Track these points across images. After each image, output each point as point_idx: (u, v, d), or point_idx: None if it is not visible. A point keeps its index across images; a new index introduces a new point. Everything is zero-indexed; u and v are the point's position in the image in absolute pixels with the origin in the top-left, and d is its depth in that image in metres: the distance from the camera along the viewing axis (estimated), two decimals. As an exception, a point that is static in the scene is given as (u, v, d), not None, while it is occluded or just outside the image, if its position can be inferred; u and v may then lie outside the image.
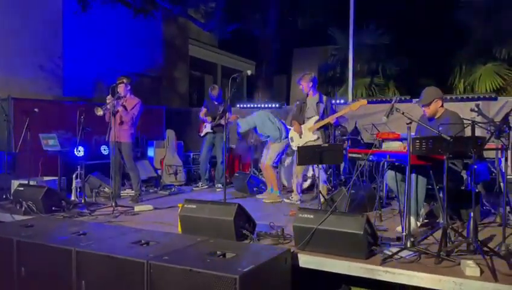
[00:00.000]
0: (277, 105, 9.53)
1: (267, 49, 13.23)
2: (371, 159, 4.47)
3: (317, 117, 5.79)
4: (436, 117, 4.31)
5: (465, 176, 4.74)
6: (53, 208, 5.17)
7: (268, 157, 6.22)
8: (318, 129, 5.80)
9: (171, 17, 12.68)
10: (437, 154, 3.50)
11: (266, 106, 9.59)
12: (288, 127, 6.30)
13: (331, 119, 5.71)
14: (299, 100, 6.10)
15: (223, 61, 17.51)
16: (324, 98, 5.89)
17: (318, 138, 5.79)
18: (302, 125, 5.90)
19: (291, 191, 6.20)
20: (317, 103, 5.84)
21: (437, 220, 4.57)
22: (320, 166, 4.91)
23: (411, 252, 3.34)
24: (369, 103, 8.74)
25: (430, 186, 4.16)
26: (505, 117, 3.83)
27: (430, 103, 4.26)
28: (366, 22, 12.68)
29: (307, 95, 5.95)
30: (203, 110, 7.59)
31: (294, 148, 5.97)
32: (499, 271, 2.94)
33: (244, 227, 3.91)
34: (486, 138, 3.85)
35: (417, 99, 7.23)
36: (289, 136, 6.13)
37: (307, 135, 5.84)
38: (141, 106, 6.17)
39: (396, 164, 4.28)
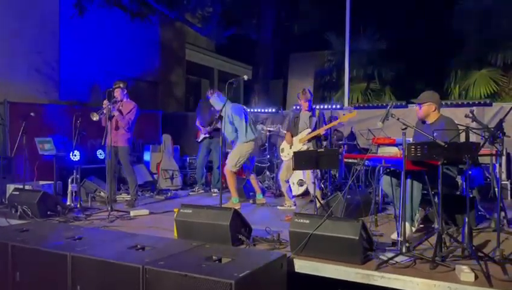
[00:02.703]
0: (273, 110, 9.56)
1: (264, 54, 13.28)
2: (366, 164, 4.50)
3: (309, 130, 5.93)
4: (431, 122, 4.34)
5: (460, 181, 4.76)
6: (48, 213, 5.16)
7: (228, 159, 6.10)
8: (309, 141, 5.90)
9: (168, 21, 12.70)
10: (432, 160, 3.52)
11: (262, 110, 9.62)
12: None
13: (322, 130, 5.85)
14: (295, 106, 6.17)
15: (219, 66, 17.54)
16: (317, 111, 6.02)
17: (308, 148, 5.86)
18: (294, 137, 5.99)
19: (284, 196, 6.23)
20: (309, 116, 5.97)
21: (432, 225, 4.59)
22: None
23: (406, 257, 3.35)
24: (365, 108, 8.82)
25: (425, 192, 4.18)
26: (500, 123, 3.86)
27: (423, 103, 4.31)
28: (362, 27, 12.75)
29: (301, 109, 6.06)
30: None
31: (284, 158, 6.07)
32: (493, 276, 2.96)
33: (240, 232, 3.91)
34: (481, 144, 3.87)
35: (413, 105, 7.29)
36: (280, 147, 6.24)
37: (296, 145, 5.94)
38: (137, 110, 6.17)
39: (392, 169, 4.29)
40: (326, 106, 8.46)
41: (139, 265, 2.97)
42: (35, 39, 9.40)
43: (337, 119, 6.17)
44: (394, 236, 3.99)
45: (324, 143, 6.40)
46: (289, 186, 6.11)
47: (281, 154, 6.16)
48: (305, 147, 5.90)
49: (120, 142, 6.05)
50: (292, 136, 6.04)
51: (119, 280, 3.05)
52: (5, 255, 3.58)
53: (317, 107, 6.12)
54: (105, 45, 10.95)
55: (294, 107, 6.24)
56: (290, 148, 5.98)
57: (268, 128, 8.44)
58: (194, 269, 2.87)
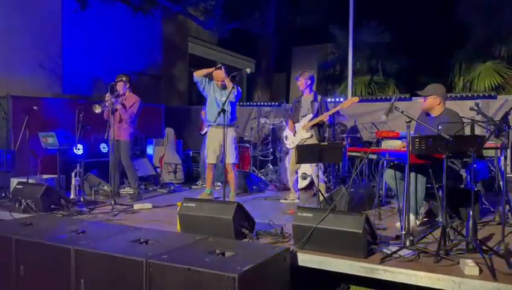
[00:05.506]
0: (276, 103, 9.53)
1: (267, 47, 13.24)
2: (370, 157, 4.47)
3: (311, 115, 5.84)
4: (435, 115, 4.31)
5: (464, 175, 4.74)
6: (52, 207, 5.16)
7: (231, 153, 5.89)
8: (312, 128, 5.83)
9: (171, 15, 12.64)
10: (436, 153, 3.50)
11: (265, 103, 9.61)
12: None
13: (324, 117, 5.77)
14: (296, 99, 6.14)
15: (222, 59, 17.42)
16: (319, 97, 5.94)
17: (312, 135, 5.84)
18: (296, 124, 5.94)
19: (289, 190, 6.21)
20: (311, 101, 5.89)
21: (436, 219, 4.57)
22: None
23: (410, 251, 3.34)
24: (368, 101, 8.78)
25: (429, 185, 4.16)
26: (505, 116, 3.83)
27: (427, 96, 4.28)
28: (366, 20, 12.67)
29: (303, 94, 5.97)
30: (205, 109, 7.59)
31: (289, 146, 6.03)
32: (498, 270, 2.94)
33: (243, 226, 3.91)
34: (486, 137, 3.85)
35: (417, 98, 7.25)
36: (283, 135, 6.18)
37: (300, 133, 5.89)
38: (140, 104, 6.17)
39: (396, 162, 4.27)
40: (329, 99, 8.43)
41: (142, 259, 2.97)
42: (38, 34, 9.38)
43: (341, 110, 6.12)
44: (398, 225, 3.97)
45: (327, 130, 6.31)
46: (297, 178, 6.09)
47: (285, 142, 6.12)
48: (308, 135, 5.85)
49: (122, 136, 6.06)
50: (294, 123, 5.99)
51: (123, 273, 3.05)
52: (9, 249, 3.59)
53: (320, 95, 6.05)
54: (108, 39, 10.92)
55: (294, 101, 6.20)
56: (294, 136, 5.95)
57: (271, 122, 8.43)
58: (197, 262, 2.87)
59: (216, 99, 5.81)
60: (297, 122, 5.97)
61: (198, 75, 5.91)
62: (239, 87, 5.74)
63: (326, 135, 6.24)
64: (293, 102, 6.17)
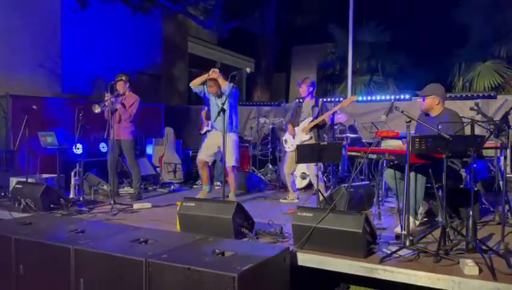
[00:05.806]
0: (276, 103, 9.53)
1: (266, 47, 13.25)
2: (370, 157, 4.46)
3: (311, 118, 5.86)
4: (435, 115, 4.31)
5: (464, 175, 4.73)
6: (51, 206, 5.15)
7: (231, 155, 5.86)
8: (311, 130, 5.85)
9: (170, 14, 12.64)
10: (436, 153, 3.49)
11: (264, 103, 9.60)
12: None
13: (325, 116, 5.79)
14: (298, 100, 6.15)
15: (222, 59, 17.46)
16: (320, 102, 5.99)
17: (311, 138, 5.87)
18: (296, 128, 5.96)
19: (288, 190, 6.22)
20: (312, 106, 5.93)
21: (436, 219, 4.57)
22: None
23: (410, 251, 3.34)
24: (368, 101, 8.77)
25: (429, 185, 4.15)
26: (505, 116, 3.83)
27: (426, 96, 4.28)
28: (365, 19, 12.68)
29: (303, 99, 5.99)
30: (205, 108, 7.59)
31: (288, 149, 6.05)
32: (497, 270, 2.94)
33: (242, 225, 3.90)
34: (486, 137, 3.84)
35: (417, 97, 7.25)
36: (283, 138, 6.22)
37: (300, 135, 5.92)
38: (140, 103, 6.16)
39: (396, 162, 4.27)
40: (329, 99, 8.43)
41: (142, 258, 2.97)
42: (38, 34, 9.36)
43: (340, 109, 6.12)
44: (398, 230, 3.98)
45: (327, 132, 6.32)
46: (293, 179, 6.10)
47: (285, 145, 6.15)
48: (307, 137, 5.87)
49: (123, 135, 6.05)
50: (294, 127, 6.01)
51: (122, 273, 3.05)
52: (9, 249, 3.59)
53: (320, 99, 6.08)
54: (108, 38, 10.91)
55: (296, 100, 6.21)
56: (293, 138, 5.97)
57: (271, 121, 8.43)
58: (196, 262, 2.87)
59: (217, 105, 5.74)
60: (298, 126, 6.00)
61: (194, 85, 5.87)
62: (236, 87, 5.71)
63: (325, 136, 6.24)
64: (294, 106, 6.21)
